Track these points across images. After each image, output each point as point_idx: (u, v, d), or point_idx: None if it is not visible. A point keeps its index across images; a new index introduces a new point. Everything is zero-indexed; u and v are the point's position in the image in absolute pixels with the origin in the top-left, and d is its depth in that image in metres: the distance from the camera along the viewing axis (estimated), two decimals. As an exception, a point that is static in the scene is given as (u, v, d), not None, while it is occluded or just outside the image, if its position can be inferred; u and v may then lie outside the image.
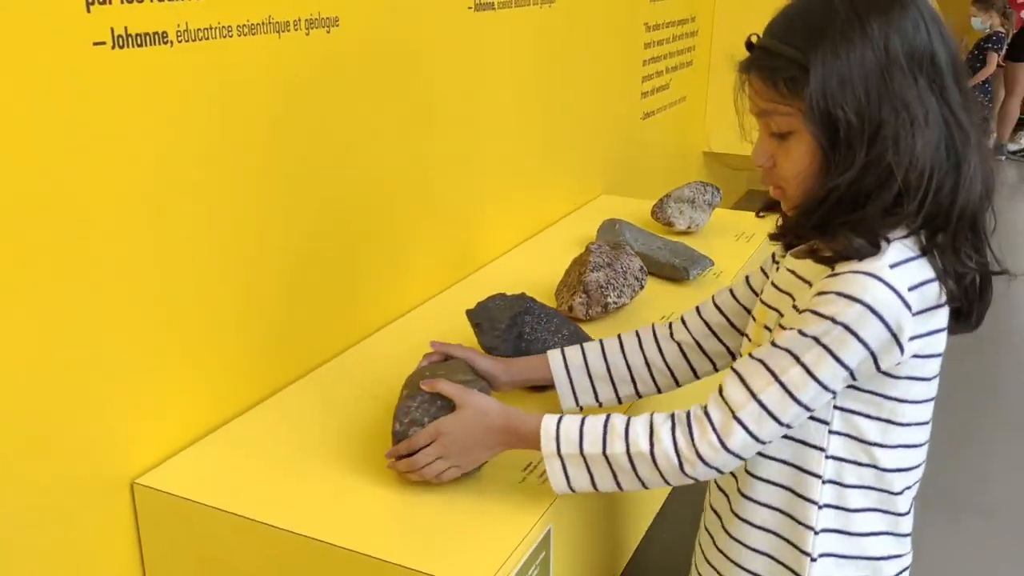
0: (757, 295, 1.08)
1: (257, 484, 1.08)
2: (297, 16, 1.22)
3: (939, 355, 0.94)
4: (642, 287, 1.63)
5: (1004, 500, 2.53)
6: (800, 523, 0.97)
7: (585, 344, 1.20)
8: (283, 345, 1.31)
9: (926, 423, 0.97)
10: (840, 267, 0.87)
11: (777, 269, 1.04)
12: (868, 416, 0.93)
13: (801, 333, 0.87)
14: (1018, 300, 3.91)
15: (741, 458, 0.92)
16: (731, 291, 1.17)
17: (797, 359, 0.87)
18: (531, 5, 1.85)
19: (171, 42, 1.03)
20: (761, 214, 1.08)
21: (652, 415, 0.95)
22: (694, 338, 1.17)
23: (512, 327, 1.32)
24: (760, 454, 0.96)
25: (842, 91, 0.85)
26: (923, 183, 0.85)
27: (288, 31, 1.21)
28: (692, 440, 0.91)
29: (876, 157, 0.85)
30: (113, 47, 0.96)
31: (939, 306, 0.90)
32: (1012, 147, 6.73)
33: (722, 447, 0.90)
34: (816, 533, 0.96)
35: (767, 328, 0.99)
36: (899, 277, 0.85)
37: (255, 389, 1.27)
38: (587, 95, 2.21)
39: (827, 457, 0.95)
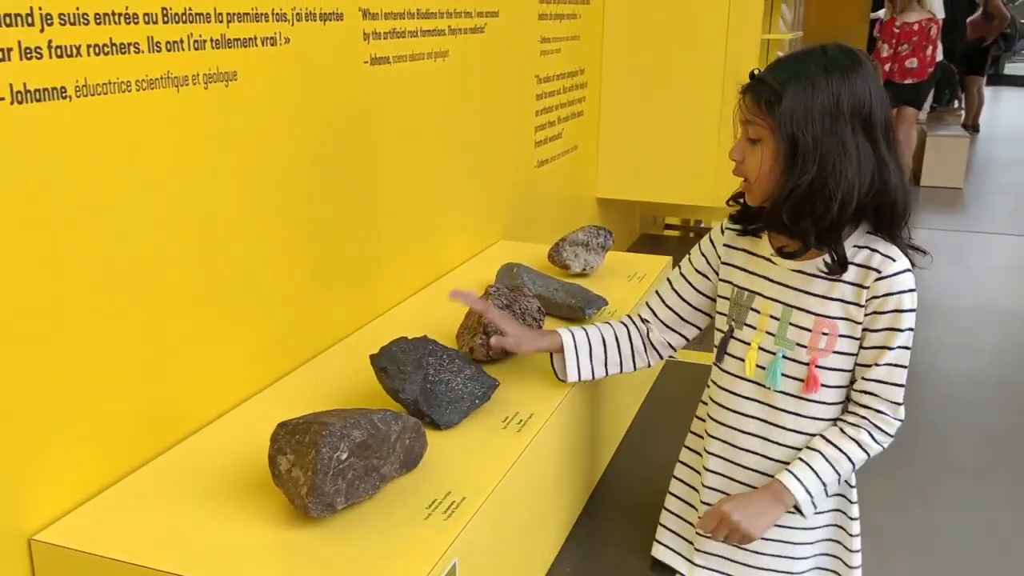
0: (701, 290, 1.44)
1: (159, 534, 1.08)
2: (196, 71, 1.25)
3: None
4: (540, 327, 1.69)
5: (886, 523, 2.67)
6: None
7: (588, 330, 1.50)
8: (176, 402, 1.31)
9: None
10: (884, 266, 1.23)
11: (751, 267, 1.35)
12: None
13: (893, 343, 1.25)
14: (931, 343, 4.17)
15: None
16: (677, 293, 1.46)
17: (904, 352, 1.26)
18: (425, 59, 1.91)
19: (70, 97, 1.05)
20: (729, 203, 1.38)
21: (848, 429, 1.29)
22: (666, 341, 1.49)
23: (418, 369, 1.36)
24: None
25: (804, 119, 1.19)
26: (852, 198, 1.19)
27: (187, 85, 1.23)
28: (885, 433, 1.30)
29: (819, 173, 1.19)
30: (12, 103, 0.97)
31: None
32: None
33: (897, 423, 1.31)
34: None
35: (773, 317, 1.31)
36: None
37: (152, 442, 1.27)
38: (483, 145, 2.29)
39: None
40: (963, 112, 10.38)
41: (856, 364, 1.29)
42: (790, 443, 1.32)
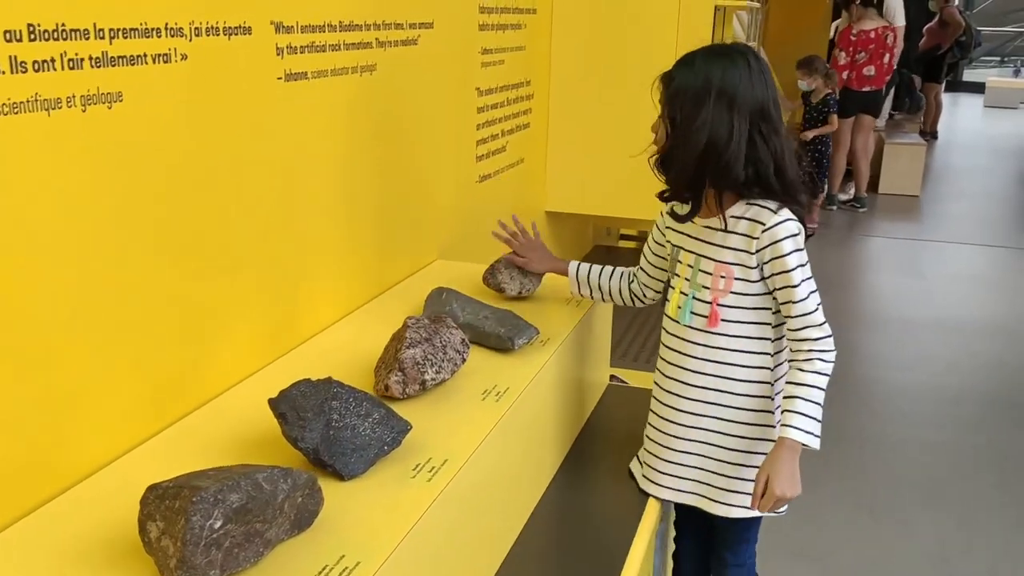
0: (658, 253, 1.78)
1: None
2: (71, 92, 1.14)
3: None
4: (464, 360, 1.60)
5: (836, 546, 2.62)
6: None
7: (593, 267, 1.90)
8: (39, 459, 1.20)
9: None
10: (766, 219, 1.53)
11: (681, 228, 1.67)
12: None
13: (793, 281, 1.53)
14: (884, 356, 4.13)
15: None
16: (645, 257, 1.82)
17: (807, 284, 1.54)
18: (350, 73, 1.81)
19: (-93, 126, 0.94)
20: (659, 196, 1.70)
21: (796, 366, 1.55)
22: (644, 288, 1.86)
23: (319, 415, 1.26)
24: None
25: (678, 100, 1.53)
26: (707, 160, 1.50)
27: (59, 108, 1.12)
28: (829, 351, 1.56)
29: (681, 138, 1.52)
30: None
31: None
32: (842, 196, 7.18)
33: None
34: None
35: (689, 266, 1.63)
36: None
37: (23, 498, 1.16)
38: (417, 160, 2.19)
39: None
40: (922, 120, 10.47)
41: (778, 306, 1.57)
42: (702, 370, 1.63)
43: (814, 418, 1.51)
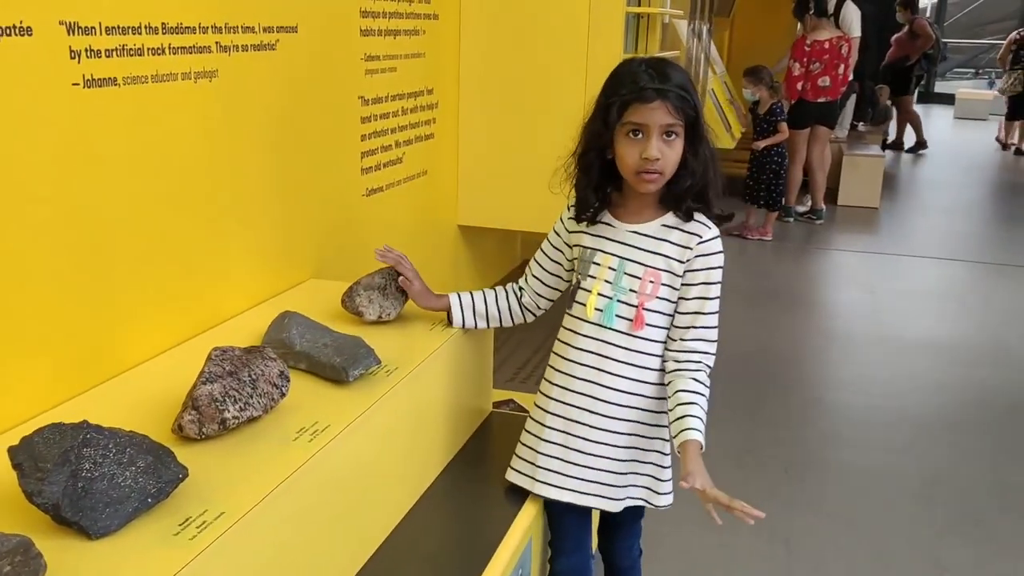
0: (558, 261, 1.75)
1: None
2: None
3: None
4: (283, 395, 1.45)
5: None
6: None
7: (475, 296, 1.84)
8: None
9: None
10: (703, 232, 1.59)
11: (595, 231, 1.65)
12: None
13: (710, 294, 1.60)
14: (824, 376, 4.00)
15: None
16: (541, 266, 1.77)
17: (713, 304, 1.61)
18: (180, 80, 1.67)
19: None
20: (570, 207, 1.70)
21: (689, 375, 1.60)
22: (535, 303, 1.81)
23: (63, 465, 1.11)
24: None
25: (700, 127, 1.54)
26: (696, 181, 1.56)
27: None
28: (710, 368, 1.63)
29: (703, 168, 1.56)
30: None
31: None
32: (800, 208, 7.08)
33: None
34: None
35: (611, 268, 1.62)
36: None
37: None
38: (278, 174, 2.05)
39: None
40: (890, 132, 10.42)
41: (677, 314, 1.61)
42: (622, 373, 1.62)
43: (704, 422, 1.58)
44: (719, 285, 1.60)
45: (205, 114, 1.76)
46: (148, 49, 1.58)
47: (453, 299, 1.84)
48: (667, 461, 1.74)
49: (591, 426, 1.65)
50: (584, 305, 1.64)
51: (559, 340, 1.70)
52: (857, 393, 3.84)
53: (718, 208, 1.61)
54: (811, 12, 6.33)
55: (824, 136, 6.67)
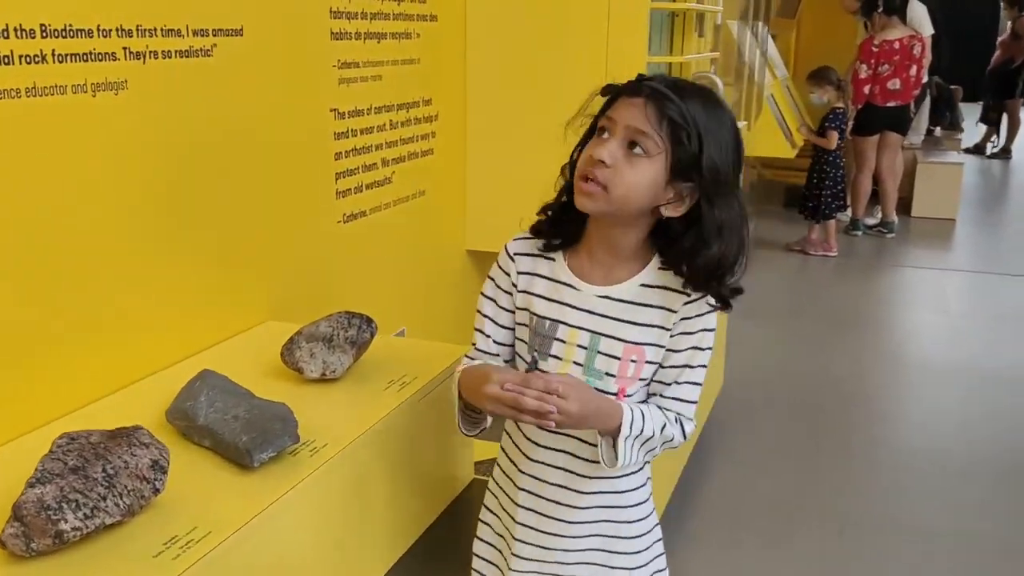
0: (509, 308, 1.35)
1: None
2: None
3: None
4: (156, 491, 1.14)
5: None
6: None
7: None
8: None
9: None
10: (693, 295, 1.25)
11: (565, 290, 1.28)
12: None
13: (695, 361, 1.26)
14: (888, 409, 3.58)
15: None
16: (494, 322, 1.36)
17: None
18: (70, 93, 1.38)
19: None
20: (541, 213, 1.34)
21: (672, 415, 1.27)
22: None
23: None
24: None
25: (726, 155, 1.19)
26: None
27: None
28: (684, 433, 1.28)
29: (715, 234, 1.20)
30: None
31: None
32: (869, 221, 6.58)
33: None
34: None
35: (580, 347, 1.27)
36: None
37: None
38: (228, 205, 1.75)
39: None
40: (995, 140, 9.83)
41: (655, 377, 1.28)
42: (596, 474, 1.30)
43: (644, 435, 1.22)
44: (710, 351, 1.28)
45: (110, 134, 1.47)
46: (20, 57, 1.29)
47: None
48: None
49: (569, 535, 1.36)
50: None
51: (518, 429, 1.36)
52: (928, 434, 3.40)
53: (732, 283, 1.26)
54: (879, 10, 5.86)
55: (895, 143, 6.17)
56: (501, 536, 1.44)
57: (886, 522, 2.75)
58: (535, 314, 1.30)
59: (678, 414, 1.27)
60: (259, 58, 1.79)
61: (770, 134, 5.65)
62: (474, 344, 1.39)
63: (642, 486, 1.38)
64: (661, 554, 1.44)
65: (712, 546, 2.60)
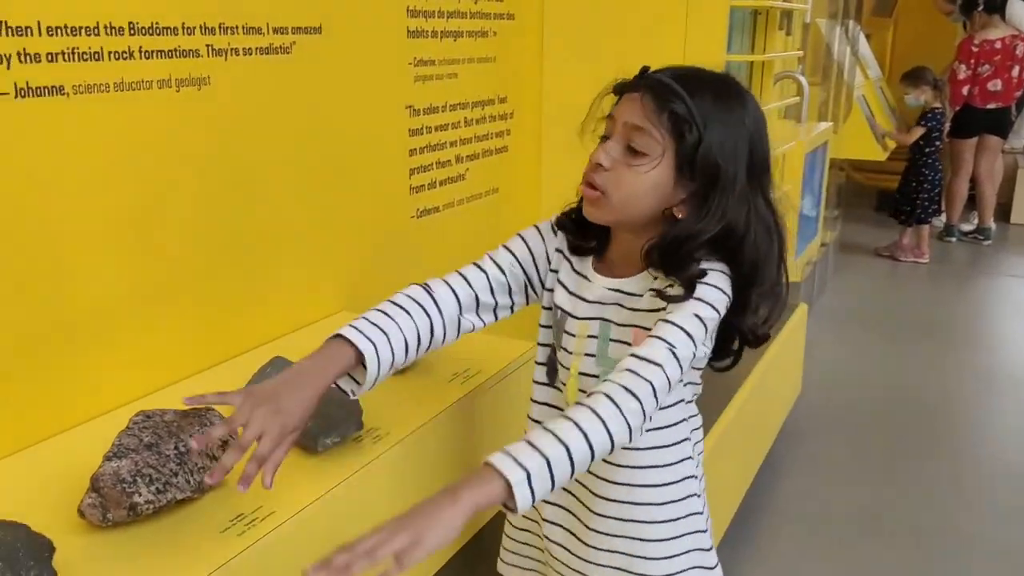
0: (525, 271, 1.25)
1: None
2: None
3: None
4: (226, 470, 1.19)
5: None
6: None
7: (388, 333, 1.13)
8: None
9: None
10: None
11: (580, 281, 1.20)
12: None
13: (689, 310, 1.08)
14: (961, 417, 3.45)
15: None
16: (500, 268, 1.24)
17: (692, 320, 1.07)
18: (156, 88, 1.44)
19: None
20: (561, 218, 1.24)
21: (604, 400, 1.00)
22: (465, 316, 1.24)
23: None
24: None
25: (730, 150, 1.07)
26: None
27: None
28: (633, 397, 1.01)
29: (736, 207, 1.08)
30: None
31: None
32: (965, 227, 6.34)
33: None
34: None
35: (591, 337, 1.18)
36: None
37: None
38: (298, 197, 1.80)
39: None
40: None
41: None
42: (619, 480, 1.19)
43: (549, 466, 0.93)
44: (707, 307, 1.08)
45: (194, 128, 1.53)
46: (110, 53, 1.36)
47: (371, 362, 1.11)
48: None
49: (590, 546, 1.24)
50: (565, 388, 1.22)
51: (534, 422, 1.29)
52: (1017, 451, 3.25)
53: (761, 309, 1.14)
54: (980, 8, 5.63)
55: (994, 147, 5.91)
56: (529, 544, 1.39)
57: (965, 538, 2.64)
58: (557, 306, 1.23)
59: (632, 370, 1.02)
60: (337, 56, 1.84)
61: (860, 136, 5.49)
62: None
63: (673, 483, 1.23)
64: (700, 567, 1.27)
65: (781, 554, 2.54)
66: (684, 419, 1.24)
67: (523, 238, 1.26)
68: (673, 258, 1.09)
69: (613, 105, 1.14)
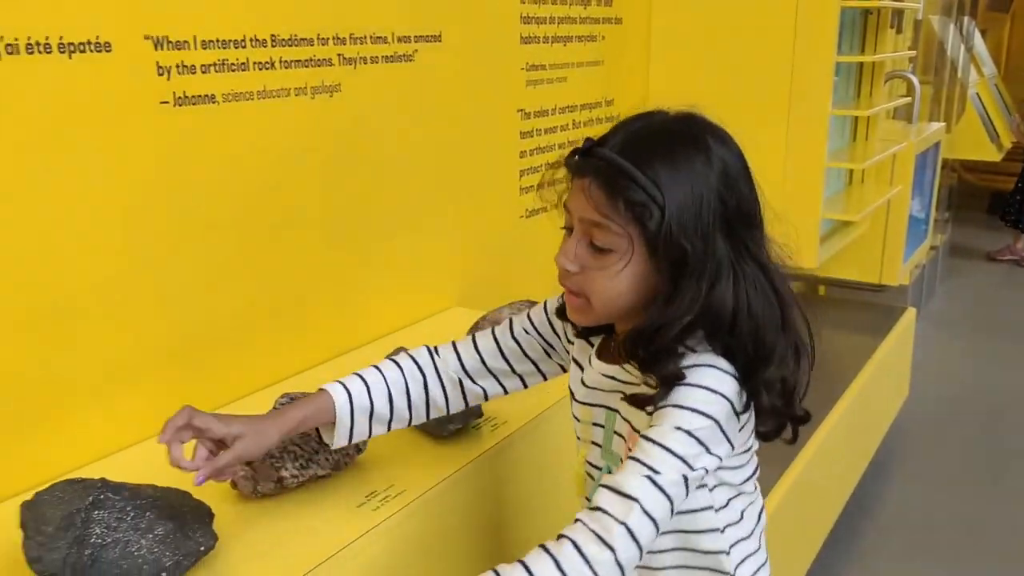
0: (542, 340, 1.19)
1: None
2: None
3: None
4: (360, 450, 1.28)
5: None
6: None
7: (368, 380, 1.14)
8: None
9: None
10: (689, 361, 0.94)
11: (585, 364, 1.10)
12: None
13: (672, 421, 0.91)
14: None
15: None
16: (514, 336, 1.20)
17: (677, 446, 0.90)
18: (293, 95, 1.55)
19: None
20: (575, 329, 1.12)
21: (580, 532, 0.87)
22: (474, 380, 1.20)
23: (66, 530, 0.99)
24: None
25: (693, 222, 0.91)
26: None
27: None
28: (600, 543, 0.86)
29: (714, 287, 0.92)
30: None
31: None
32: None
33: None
34: None
35: (597, 425, 1.08)
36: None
37: None
38: (417, 196, 1.90)
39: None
40: None
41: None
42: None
43: None
44: (699, 416, 0.91)
45: (325, 133, 1.63)
46: (254, 63, 1.47)
47: (340, 401, 1.12)
48: None
49: None
50: (574, 476, 1.16)
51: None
52: None
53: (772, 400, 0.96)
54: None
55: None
56: None
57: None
58: (569, 383, 1.15)
59: (600, 509, 0.87)
60: (455, 62, 1.92)
61: (973, 135, 5.32)
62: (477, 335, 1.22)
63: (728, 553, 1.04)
64: None
65: (884, 561, 2.52)
66: (719, 528, 1.02)
67: (546, 308, 1.19)
68: (646, 352, 0.94)
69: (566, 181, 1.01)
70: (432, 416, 1.21)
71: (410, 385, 1.17)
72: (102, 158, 1.28)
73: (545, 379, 1.23)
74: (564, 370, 1.20)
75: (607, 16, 2.47)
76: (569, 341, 1.16)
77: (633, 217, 0.91)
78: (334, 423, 1.12)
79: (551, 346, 1.19)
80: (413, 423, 1.19)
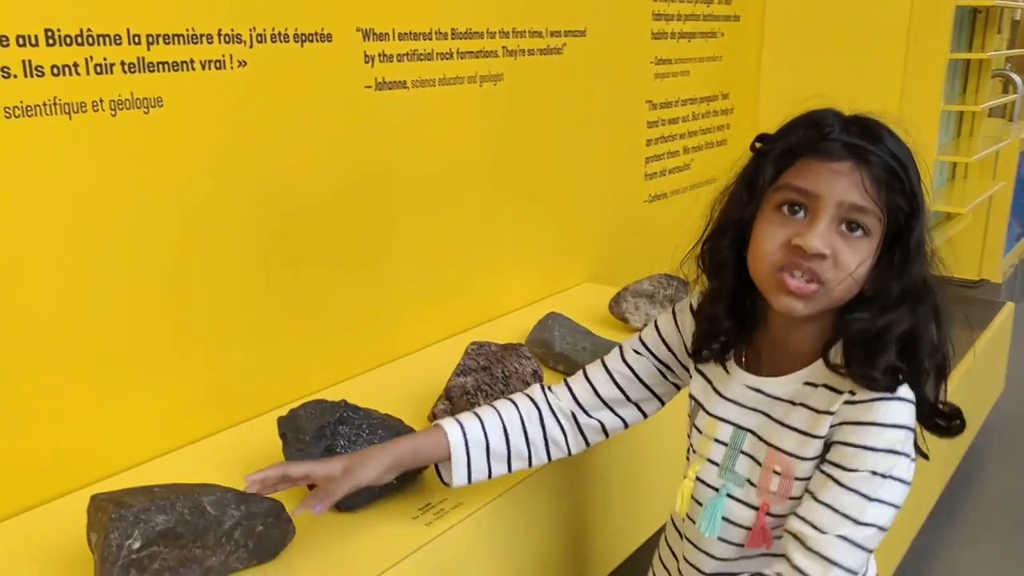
0: (656, 360, 1.15)
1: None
2: (98, 96, 1.16)
3: None
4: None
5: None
6: None
7: (481, 415, 1.13)
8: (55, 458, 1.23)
9: None
10: (860, 388, 0.92)
11: (717, 371, 1.07)
12: None
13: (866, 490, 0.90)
14: None
15: None
16: (625, 361, 1.17)
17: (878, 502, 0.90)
18: (466, 83, 1.73)
19: None
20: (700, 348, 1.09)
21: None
22: (589, 414, 1.16)
23: (319, 439, 1.18)
24: None
25: (920, 242, 0.94)
26: None
27: (84, 112, 1.15)
28: None
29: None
30: None
31: None
32: None
33: None
34: None
35: (719, 442, 1.04)
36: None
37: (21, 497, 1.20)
38: (558, 177, 2.06)
39: None
40: None
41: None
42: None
43: None
44: (897, 484, 0.90)
45: (488, 117, 1.81)
46: (438, 54, 1.66)
47: (454, 436, 1.10)
48: None
49: None
50: (679, 494, 1.08)
51: (666, 537, 1.20)
52: None
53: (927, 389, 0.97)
54: None
55: None
56: None
57: None
58: (691, 393, 1.11)
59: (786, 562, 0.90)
60: (596, 55, 2.08)
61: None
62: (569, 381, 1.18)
63: None
64: None
65: (985, 542, 2.60)
66: None
67: (657, 327, 1.16)
68: (867, 352, 0.93)
69: (773, 166, 0.98)
70: (553, 456, 1.17)
71: (526, 421, 1.13)
72: (327, 132, 1.47)
73: (663, 404, 1.19)
74: (678, 388, 1.18)
75: (727, 14, 2.60)
76: (689, 355, 1.11)
77: (887, 202, 0.92)
78: (449, 459, 1.10)
79: (666, 366, 1.15)
80: (534, 463, 1.16)
